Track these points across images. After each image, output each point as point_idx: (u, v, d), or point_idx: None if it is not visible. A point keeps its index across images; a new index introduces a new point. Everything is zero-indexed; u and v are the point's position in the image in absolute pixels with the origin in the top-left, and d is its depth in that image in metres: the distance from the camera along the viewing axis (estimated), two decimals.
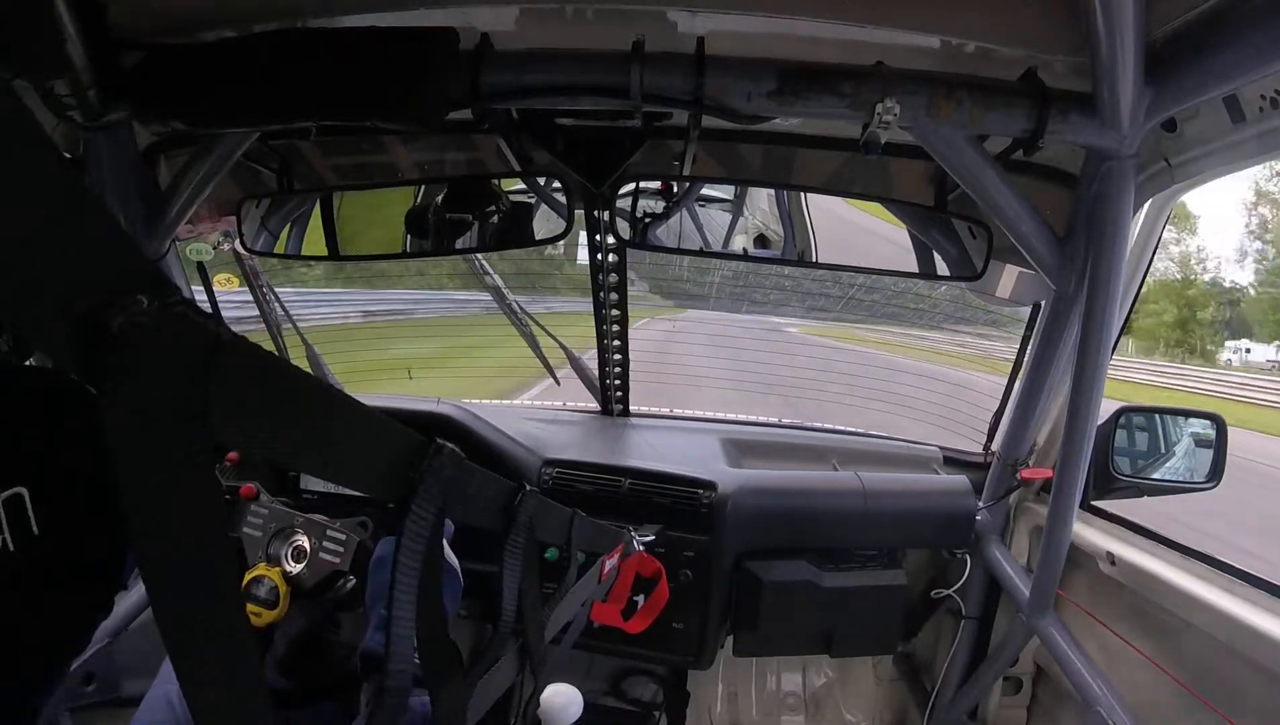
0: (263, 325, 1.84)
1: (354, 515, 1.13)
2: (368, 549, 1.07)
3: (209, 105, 0.99)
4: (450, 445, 0.47)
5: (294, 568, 1.07)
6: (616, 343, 1.82)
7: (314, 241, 1.54)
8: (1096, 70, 0.91)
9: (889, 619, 1.62)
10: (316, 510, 1.14)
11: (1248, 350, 26.92)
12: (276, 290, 1.83)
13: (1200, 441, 1.49)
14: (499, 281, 1.87)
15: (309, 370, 1.15)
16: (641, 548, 1.35)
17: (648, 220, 1.52)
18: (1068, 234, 1.18)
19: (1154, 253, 1.30)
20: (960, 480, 1.65)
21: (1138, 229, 1.24)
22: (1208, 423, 1.48)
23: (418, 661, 0.51)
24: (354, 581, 1.07)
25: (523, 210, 1.51)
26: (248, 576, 1.03)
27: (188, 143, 1.27)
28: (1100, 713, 1.21)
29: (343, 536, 1.08)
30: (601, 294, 1.70)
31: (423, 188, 1.53)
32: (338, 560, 1.06)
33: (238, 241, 1.52)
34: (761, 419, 2.21)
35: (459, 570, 1.04)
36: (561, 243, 1.41)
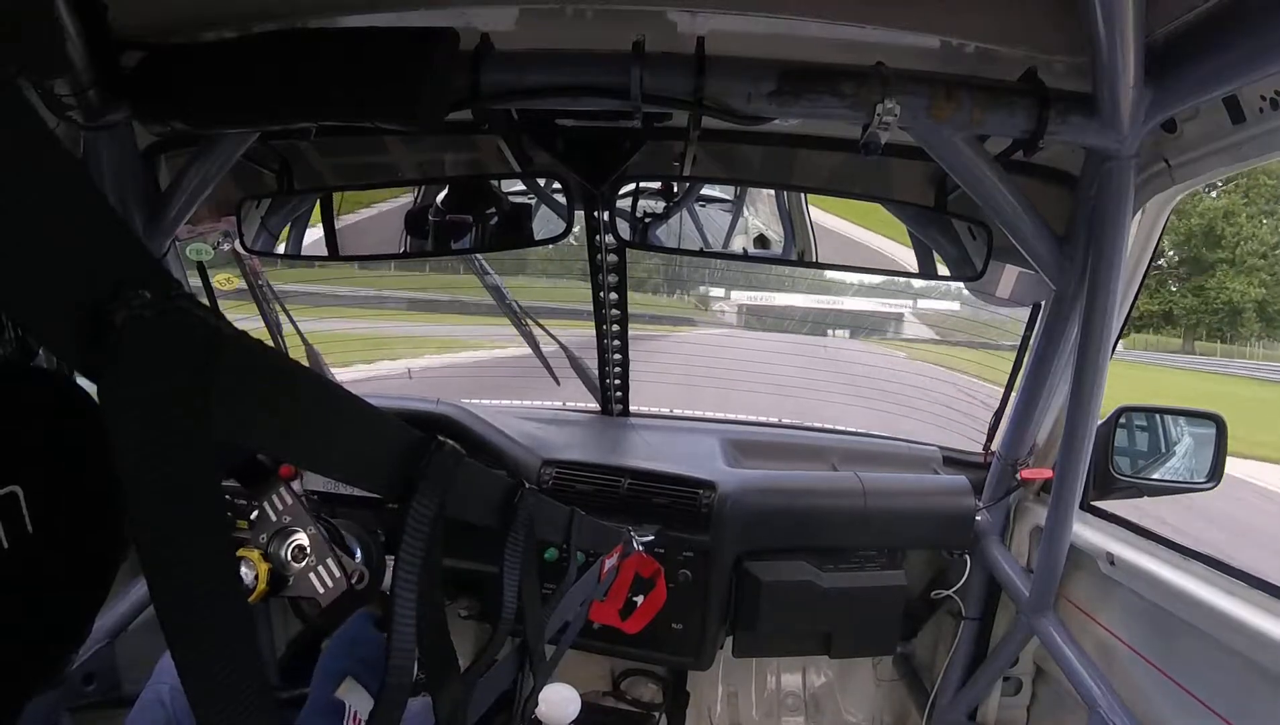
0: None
1: (362, 510, 1.11)
2: (349, 603, 1.04)
3: (209, 105, 0.99)
4: (451, 442, 0.48)
5: (287, 566, 1.06)
6: (616, 343, 1.82)
7: (314, 241, 1.54)
8: (1096, 70, 0.91)
9: (889, 619, 1.62)
10: (323, 512, 1.13)
11: None
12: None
13: (1200, 441, 1.49)
14: (499, 281, 1.87)
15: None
16: (641, 548, 1.35)
17: (648, 220, 1.52)
18: (1068, 234, 1.19)
19: (1154, 253, 1.31)
20: (960, 480, 1.65)
21: (1137, 229, 1.24)
22: (1208, 423, 1.48)
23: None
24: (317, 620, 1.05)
25: (522, 211, 1.51)
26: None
27: (188, 143, 1.27)
28: (1100, 713, 1.21)
29: (338, 574, 1.05)
30: (601, 294, 1.70)
31: (423, 188, 1.53)
32: (321, 592, 1.04)
33: (238, 241, 1.52)
34: (761, 419, 2.21)
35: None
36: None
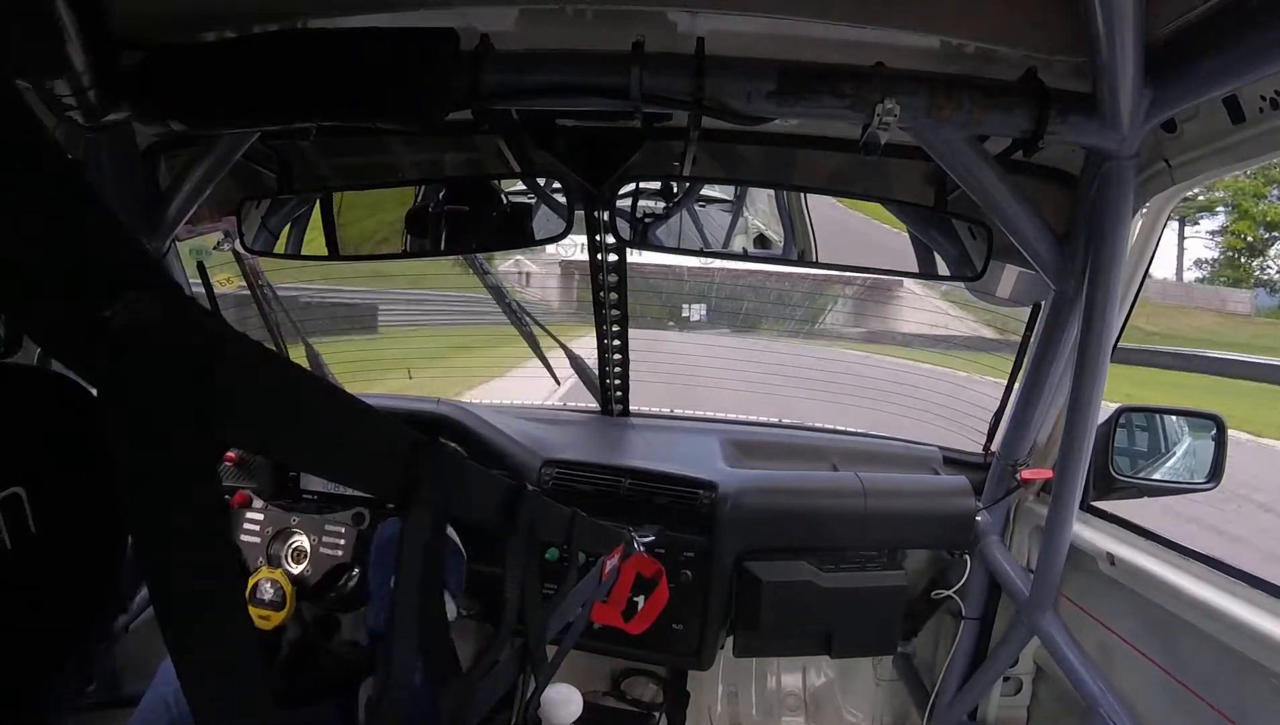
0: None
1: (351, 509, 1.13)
2: (367, 539, 1.08)
3: (209, 105, 0.99)
4: (452, 444, 0.48)
5: (296, 568, 1.07)
6: (616, 343, 1.82)
7: (314, 241, 1.54)
8: (1096, 70, 0.91)
9: (889, 619, 1.62)
10: (316, 511, 1.14)
11: None
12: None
13: (1200, 442, 1.49)
14: (499, 281, 1.87)
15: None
16: (641, 548, 1.35)
17: (648, 220, 1.52)
18: (1068, 234, 1.19)
19: (1154, 253, 1.31)
20: (960, 481, 1.65)
21: (1138, 229, 1.24)
22: (1208, 423, 1.48)
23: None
24: (357, 576, 1.08)
25: (522, 211, 1.51)
26: (251, 581, 1.03)
27: (188, 143, 1.27)
28: (1100, 713, 1.21)
29: (341, 528, 1.08)
30: (601, 294, 1.70)
31: (423, 188, 1.53)
32: (339, 553, 1.07)
33: (238, 241, 1.52)
34: (761, 419, 2.21)
35: (461, 548, 1.05)
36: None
